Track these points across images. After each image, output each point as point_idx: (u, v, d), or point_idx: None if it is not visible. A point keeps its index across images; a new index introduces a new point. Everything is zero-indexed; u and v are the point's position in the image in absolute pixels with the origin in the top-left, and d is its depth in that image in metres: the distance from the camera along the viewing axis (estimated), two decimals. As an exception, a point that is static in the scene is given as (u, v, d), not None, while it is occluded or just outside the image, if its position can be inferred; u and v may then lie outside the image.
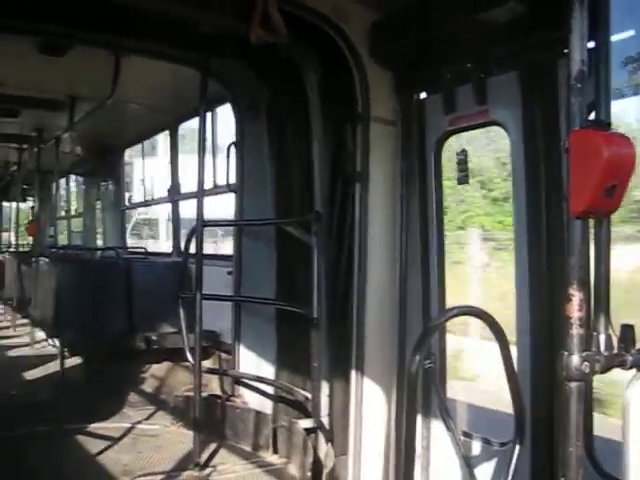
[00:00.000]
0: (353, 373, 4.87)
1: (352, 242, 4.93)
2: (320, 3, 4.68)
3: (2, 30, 5.83)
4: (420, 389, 3.93)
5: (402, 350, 4.77)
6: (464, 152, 4.61)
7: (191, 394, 6.18)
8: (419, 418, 4.07)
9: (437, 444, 4.52)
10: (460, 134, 4.70)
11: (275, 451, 5.82)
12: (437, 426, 4.48)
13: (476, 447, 4.24)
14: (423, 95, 4.78)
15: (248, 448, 5.97)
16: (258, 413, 6.04)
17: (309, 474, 4.93)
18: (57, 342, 9.15)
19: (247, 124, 6.46)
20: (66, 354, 8.50)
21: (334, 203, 5.13)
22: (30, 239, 15.83)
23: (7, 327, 13.68)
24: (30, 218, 17.19)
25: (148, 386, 7.46)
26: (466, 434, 4.27)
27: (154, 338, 7.70)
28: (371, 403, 4.89)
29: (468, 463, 4.04)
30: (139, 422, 6.78)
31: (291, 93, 5.72)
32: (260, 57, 5.69)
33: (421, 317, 4.70)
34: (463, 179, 4.58)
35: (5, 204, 19.54)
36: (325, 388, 5.07)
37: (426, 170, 4.68)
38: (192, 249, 6.22)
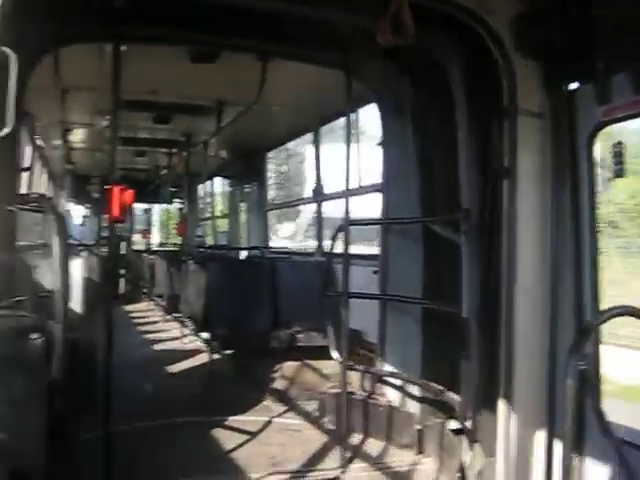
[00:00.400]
0: (502, 373, 4.76)
1: (500, 240, 4.83)
2: None
3: (156, 40, 6.17)
4: (574, 392, 3.78)
5: (553, 351, 4.62)
6: (620, 144, 4.42)
7: (336, 391, 6.26)
8: (573, 422, 3.93)
9: (592, 450, 4.36)
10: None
11: (420, 451, 5.79)
12: (592, 432, 4.31)
13: (636, 457, 4.04)
14: (573, 86, 4.62)
15: (393, 447, 5.97)
16: (402, 412, 6.03)
17: (458, 475, 4.87)
18: (205, 337, 9.57)
19: (392, 122, 6.47)
20: (214, 349, 8.87)
21: (482, 200, 5.05)
22: (178, 239, 16.64)
23: (157, 322, 14.47)
24: (177, 220, 18.06)
25: (292, 382, 7.62)
26: (625, 442, 4.08)
27: (298, 335, 7.86)
28: (521, 405, 4.76)
29: (628, 472, 3.85)
30: (284, 416, 6.96)
31: (435, 89, 5.69)
32: (403, 55, 5.71)
33: (573, 317, 4.54)
34: (619, 172, 4.39)
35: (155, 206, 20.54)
36: (474, 388, 4.99)
37: (578, 164, 4.52)
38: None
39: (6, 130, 3.75)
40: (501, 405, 4.80)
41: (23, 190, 9.49)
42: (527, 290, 4.72)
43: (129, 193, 4.62)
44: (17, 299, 3.67)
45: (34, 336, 2.72)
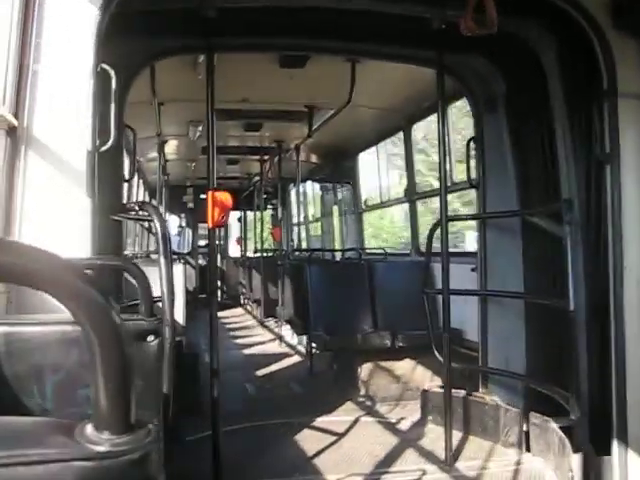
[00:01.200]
0: (613, 369, 4.60)
1: (606, 229, 4.67)
2: None
3: (247, 49, 6.28)
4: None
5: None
6: None
7: (439, 390, 6.20)
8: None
9: None
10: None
11: (528, 449, 5.65)
12: None
13: None
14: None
15: (499, 445, 5.86)
16: (508, 410, 5.89)
17: (570, 474, 4.72)
18: (305, 339, 9.66)
19: (485, 117, 6.35)
20: (314, 350, 8.95)
21: (585, 189, 4.90)
22: (272, 245, 16.93)
23: (255, 326, 14.73)
24: (270, 225, 18.32)
25: (394, 382, 7.61)
26: None
27: (398, 335, 7.82)
28: (635, 401, 4.58)
29: None
30: (386, 415, 6.95)
31: (529, 79, 5.56)
32: (494, 46, 5.61)
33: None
34: None
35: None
36: (584, 384, 4.84)
37: None
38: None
39: (109, 144, 3.91)
40: (614, 402, 4.64)
41: (123, 201, 9.84)
42: (637, 280, 4.55)
43: (228, 196, 4.70)
44: (133, 303, 3.80)
45: (150, 339, 2.80)
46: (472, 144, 6.48)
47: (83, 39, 3.74)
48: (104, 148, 3.87)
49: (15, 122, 3.59)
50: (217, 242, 19.90)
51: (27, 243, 1.02)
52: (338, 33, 5.76)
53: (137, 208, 4.32)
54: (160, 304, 3.90)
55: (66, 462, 0.99)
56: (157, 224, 3.80)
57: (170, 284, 3.70)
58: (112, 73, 3.87)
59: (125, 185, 8.90)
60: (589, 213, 4.89)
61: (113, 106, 3.94)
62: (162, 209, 13.17)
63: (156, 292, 4.04)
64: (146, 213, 4.19)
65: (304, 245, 15.94)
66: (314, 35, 5.72)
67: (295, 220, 16.00)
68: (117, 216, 4.43)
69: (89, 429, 1.04)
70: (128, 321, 2.77)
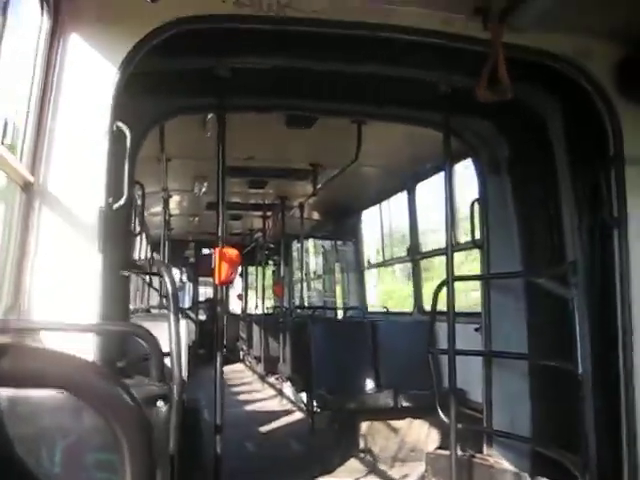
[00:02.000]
0: (624, 433, 4.55)
1: (614, 293, 4.68)
2: (560, 45, 4.59)
3: (255, 109, 6.40)
4: None
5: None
6: None
7: (444, 452, 6.12)
8: None
9: None
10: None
11: (534, 516, 5.56)
12: None
13: None
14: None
15: (504, 510, 5.77)
16: (515, 473, 5.81)
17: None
18: (306, 397, 9.57)
19: (489, 178, 6.44)
20: (315, 409, 8.86)
21: (591, 252, 4.94)
22: (272, 301, 16.91)
23: (254, 383, 14.60)
24: (271, 281, 18.32)
25: (397, 443, 7.52)
26: None
27: (400, 395, 7.76)
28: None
29: None
30: (390, 477, 6.85)
31: (533, 143, 5.65)
32: (500, 110, 5.70)
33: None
34: None
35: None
36: (592, 450, 4.78)
37: None
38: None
39: (122, 200, 3.96)
40: (626, 469, 4.58)
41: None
42: (645, 344, 4.55)
43: (236, 253, 4.72)
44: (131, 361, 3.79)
45: (160, 404, 2.79)
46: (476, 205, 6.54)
47: (101, 98, 3.83)
48: (118, 205, 3.92)
49: (31, 178, 3.65)
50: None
51: (57, 349, 1.04)
52: (345, 95, 5.88)
53: (147, 264, 4.33)
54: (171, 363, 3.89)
55: None
56: (167, 282, 3.82)
57: (179, 343, 3.70)
58: (127, 132, 3.94)
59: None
60: (594, 277, 4.91)
61: (127, 164, 4.00)
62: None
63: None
64: (155, 269, 4.22)
65: (306, 302, 15.91)
66: (321, 97, 5.83)
67: (297, 277, 16.03)
68: (127, 271, 4.45)
69: None
70: (138, 387, 2.77)
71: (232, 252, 4.70)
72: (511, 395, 6.11)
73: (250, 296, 20.96)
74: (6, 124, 3.53)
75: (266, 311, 16.01)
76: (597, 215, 4.85)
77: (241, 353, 19.24)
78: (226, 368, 17.12)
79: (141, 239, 14.38)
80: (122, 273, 4.41)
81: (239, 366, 18.28)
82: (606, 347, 4.74)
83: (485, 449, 6.36)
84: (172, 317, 3.72)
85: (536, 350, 5.75)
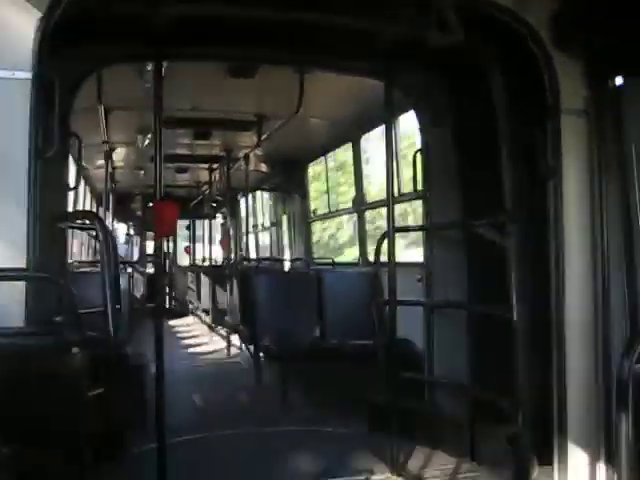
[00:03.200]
0: (555, 379, 4.69)
1: (548, 242, 4.77)
2: None
3: (196, 58, 6.26)
4: (631, 396, 3.70)
5: (606, 355, 4.56)
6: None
7: (384, 399, 6.22)
8: (630, 429, 3.85)
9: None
10: None
11: (473, 459, 5.72)
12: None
13: None
14: (619, 80, 4.55)
15: (445, 455, 5.91)
16: (454, 420, 5.95)
17: (512, 483, 4.80)
18: (252, 348, 9.62)
19: (432, 129, 6.45)
20: (261, 359, 8.93)
21: (528, 202, 5.01)
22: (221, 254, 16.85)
23: (203, 335, 14.63)
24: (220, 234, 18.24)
25: (340, 391, 7.58)
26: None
27: (345, 345, 7.84)
28: (575, 410, 4.68)
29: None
30: (334, 426, 6.95)
31: (475, 92, 5.66)
32: (442, 60, 5.69)
33: (626, 320, 4.47)
34: None
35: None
36: (525, 394, 4.92)
37: (627, 162, 4.45)
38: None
39: (52, 151, 3.84)
40: (554, 411, 4.73)
41: (70, 209, 9.69)
42: (578, 292, 4.66)
43: (174, 208, 4.67)
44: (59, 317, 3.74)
45: (74, 351, 2.77)
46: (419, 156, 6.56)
47: (24, 44, 3.68)
48: (47, 155, 3.80)
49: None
50: (166, 251, 19.74)
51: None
52: (287, 44, 5.76)
53: (81, 217, 4.25)
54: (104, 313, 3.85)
55: None
56: (99, 232, 3.77)
57: (115, 293, 3.66)
58: (55, 80, 3.81)
59: (71, 193, 8.79)
60: (530, 226, 4.99)
61: (56, 113, 3.88)
62: (110, 217, 12.99)
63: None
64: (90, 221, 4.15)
65: (254, 255, 15.90)
66: (263, 45, 5.71)
67: (244, 229, 15.97)
68: (61, 224, 4.35)
69: None
70: (51, 334, 2.75)
71: (170, 206, 4.64)
72: (451, 344, 6.23)
73: (199, 249, 20.83)
74: None
75: (214, 264, 15.92)
76: (534, 165, 4.90)
77: (190, 306, 19.21)
78: (175, 321, 17.24)
79: (85, 193, 14.14)
80: (58, 225, 4.30)
81: (189, 319, 18.28)
82: (540, 294, 4.85)
83: (426, 396, 6.49)
84: (105, 269, 3.68)
85: (476, 299, 5.86)
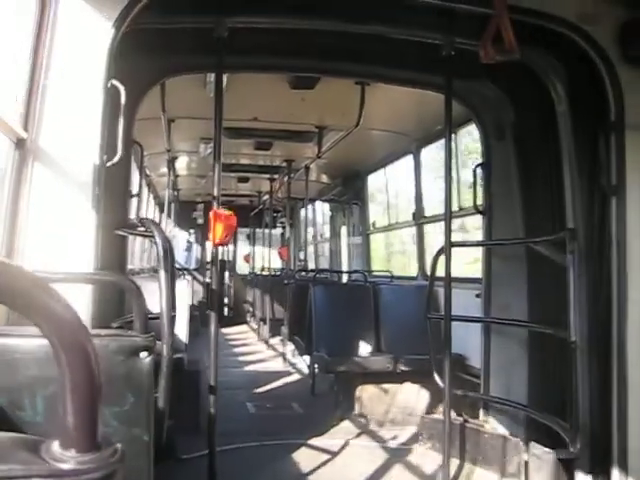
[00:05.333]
0: (615, 401, 4.57)
1: (610, 260, 4.66)
2: (563, 8, 4.51)
3: (256, 69, 6.34)
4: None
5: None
6: None
7: (439, 417, 6.15)
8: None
9: None
10: None
11: (527, 480, 5.59)
12: None
13: None
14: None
15: (497, 475, 5.79)
16: (508, 439, 5.83)
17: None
18: (308, 359, 9.64)
19: (493, 143, 6.37)
20: (316, 371, 8.94)
21: (590, 219, 4.90)
22: (280, 264, 16.95)
23: (259, 344, 14.71)
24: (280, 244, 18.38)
25: (394, 406, 7.57)
26: None
27: (400, 359, 7.79)
28: (637, 434, 4.54)
29: None
30: (386, 440, 6.91)
31: (537, 107, 5.57)
32: (504, 74, 5.63)
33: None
34: None
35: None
36: (585, 416, 4.79)
37: None
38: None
39: (116, 158, 3.94)
40: (615, 436, 4.60)
41: (132, 216, 9.90)
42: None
43: (232, 217, 4.70)
44: (128, 319, 3.82)
45: (143, 355, 2.80)
46: (479, 170, 6.48)
47: (95, 55, 3.78)
48: (111, 163, 3.90)
49: (24, 134, 3.63)
50: (224, 259, 19.96)
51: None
52: (348, 56, 5.80)
53: (140, 224, 4.33)
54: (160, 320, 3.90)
55: (30, 478, 0.99)
56: (157, 239, 3.82)
57: (170, 299, 3.70)
58: (122, 89, 3.90)
59: (135, 200, 8.98)
60: (593, 244, 4.88)
61: (122, 121, 3.97)
62: (171, 224, 13.22)
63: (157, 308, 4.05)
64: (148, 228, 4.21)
65: (312, 265, 15.93)
66: (324, 57, 5.76)
67: (303, 240, 16.04)
68: (121, 231, 4.44)
69: (55, 446, 1.03)
70: (120, 337, 2.79)
71: (228, 214, 4.68)
72: (509, 362, 6.12)
73: (258, 258, 20.98)
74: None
75: (273, 274, 16.03)
76: (596, 182, 4.80)
77: (247, 315, 19.37)
78: (231, 329, 17.39)
79: (148, 201, 14.42)
80: (116, 232, 4.39)
81: (245, 328, 18.42)
82: (601, 315, 4.73)
83: (481, 415, 6.39)
84: (162, 273, 3.72)
85: (535, 317, 5.74)
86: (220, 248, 5.20)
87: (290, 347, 11.56)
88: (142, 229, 5.05)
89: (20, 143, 3.66)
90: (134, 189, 6.35)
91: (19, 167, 3.68)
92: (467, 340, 6.69)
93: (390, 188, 11.69)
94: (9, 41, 3.84)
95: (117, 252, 5.07)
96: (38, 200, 3.67)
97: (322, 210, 16.75)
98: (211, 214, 4.77)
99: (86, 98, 3.79)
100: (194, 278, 16.01)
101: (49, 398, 2.41)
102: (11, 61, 3.83)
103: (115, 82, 3.88)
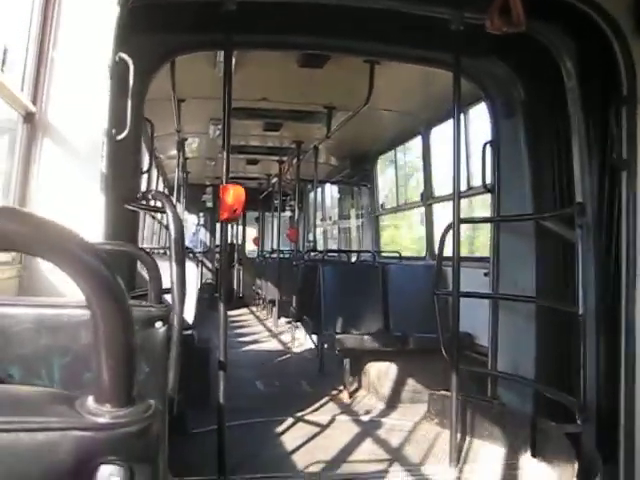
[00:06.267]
0: (622, 374, 4.58)
1: (619, 235, 4.66)
2: None
3: (265, 47, 6.33)
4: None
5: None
6: None
7: (447, 393, 6.18)
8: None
9: None
10: None
11: (534, 454, 5.61)
12: None
13: None
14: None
15: (505, 449, 5.81)
16: (516, 414, 5.86)
17: (575, 480, 4.70)
18: (316, 339, 9.70)
19: (502, 121, 6.35)
20: (325, 351, 8.99)
21: (599, 194, 4.89)
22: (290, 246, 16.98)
23: (269, 325, 14.78)
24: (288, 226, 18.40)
25: (402, 383, 7.59)
26: None
27: (409, 338, 7.82)
28: (644, 407, 4.56)
29: None
30: (393, 417, 6.96)
31: (547, 83, 5.56)
32: (513, 51, 5.61)
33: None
34: None
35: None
36: (591, 391, 4.81)
37: None
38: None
39: (125, 133, 3.95)
40: (622, 409, 4.61)
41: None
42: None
43: (240, 190, 4.70)
44: (138, 293, 3.85)
45: (158, 325, 2.84)
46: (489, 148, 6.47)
47: (102, 30, 3.79)
48: (120, 137, 3.91)
49: (33, 108, 3.65)
50: (234, 241, 20.02)
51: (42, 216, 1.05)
52: (357, 33, 5.79)
53: (150, 198, 4.35)
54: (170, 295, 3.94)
55: (66, 431, 1.00)
56: (170, 214, 3.84)
57: (181, 274, 3.73)
58: (130, 63, 3.91)
59: (144, 179, 9.00)
60: (602, 218, 4.88)
61: (130, 97, 3.98)
62: (180, 207, 13.25)
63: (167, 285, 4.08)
64: (159, 204, 4.23)
65: (321, 246, 15.95)
66: (333, 34, 5.75)
67: (312, 222, 16.05)
68: (131, 206, 4.46)
69: (90, 401, 1.05)
70: (136, 307, 2.82)
71: (236, 189, 4.68)
72: (516, 338, 6.14)
73: (267, 241, 21.03)
74: (6, 52, 3.52)
75: (282, 256, 16.08)
76: (607, 156, 4.78)
77: (257, 297, 19.44)
78: (242, 311, 17.46)
79: (157, 182, 14.45)
80: (126, 207, 4.41)
81: (254, 309, 18.50)
82: (610, 289, 4.74)
83: (490, 391, 6.42)
84: (174, 249, 3.75)
85: (544, 293, 5.75)
86: (229, 231, 5.22)
87: (299, 327, 11.61)
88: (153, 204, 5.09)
89: (29, 117, 3.69)
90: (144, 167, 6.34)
91: (28, 140, 3.71)
92: (475, 319, 6.70)
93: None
94: (17, 16, 3.86)
95: (129, 227, 5.11)
96: (47, 173, 3.69)
97: (330, 192, 16.76)
98: (220, 189, 4.79)
99: (94, 73, 3.79)
100: (201, 262, 16.05)
101: (65, 367, 2.44)
102: (19, 35, 3.85)
103: (123, 55, 3.89)
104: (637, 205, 4.53)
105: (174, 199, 14.29)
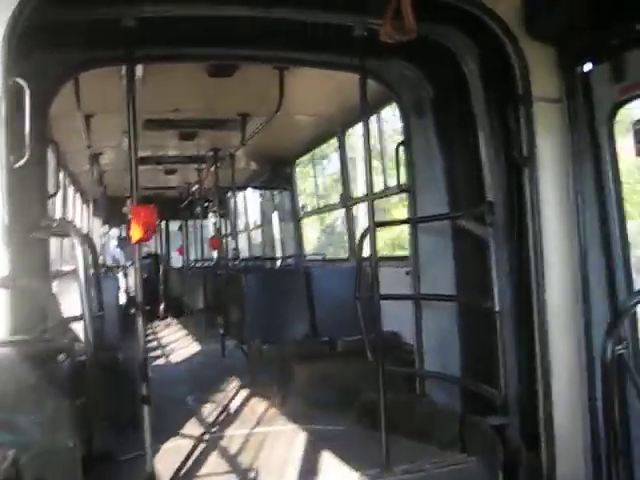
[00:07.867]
0: (539, 365, 4.71)
1: (526, 230, 4.78)
2: None
3: (170, 59, 6.23)
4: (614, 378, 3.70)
5: (589, 338, 4.59)
6: None
7: (375, 395, 6.21)
8: (614, 411, 3.84)
9: (637, 440, 4.26)
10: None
11: (464, 449, 5.70)
12: (636, 421, 4.23)
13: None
14: (587, 67, 4.58)
15: (436, 447, 5.88)
16: (444, 411, 5.95)
17: (500, 472, 4.80)
18: (244, 348, 9.60)
19: (414, 121, 6.43)
20: (253, 359, 8.90)
21: (507, 191, 5.01)
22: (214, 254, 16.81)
23: (197, 336, 14.59)
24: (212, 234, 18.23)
25: (331, 388, 7.58)
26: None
27: (336, 341, 7.82)
28: (561, 396, 4.70)
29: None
30: (326, 423, 6.93)
31: (453, 84, 5.66)
32: (420, 52, 5.68)
33: (606, 302, 4.51)
34: None
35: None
36: (512, 383, 4.93)
37: (599, 145, 4.47)
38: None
39: (23, 160, 3.79)
40: (541, 399, 4.74)
41: (58, 215, 9.65)
42: (557, 278, 4.68)
43: (151, 211, 4.59)
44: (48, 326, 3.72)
45: (61, 357, 2.74)
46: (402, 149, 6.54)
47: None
48: (19, 164, 3.76)
49: None
50: (158, 252, 19.69)
51: None
52: (264, 41, 5.76)
53: (54, 227, 4.21)
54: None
55: None
56: (75, 240, 3.73)
57: (89, 299, 3.63)
58: (25, 87, 3.77)
59: (59, 200, 8.75)
60: (511, 216, 4.99)
61: (27, 120, 3.84)
62: (97, 221, 12.96)
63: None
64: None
65: (246, 253, 15.86)
66: (238, 44, 5.71)
67: (236, 228, 15.92)
68: (36, 233, 4.31)
69: None
70: (36, 342, 2.72)
71: (147, 210, 4.57)
72: (441, 336, 6.23)
73: (192, 250, 20.74)
74: None
75: (207, 264, 15.91)
76: (510, 155, 4.90)
77: (184, 307, 19.18)
78: (169, 321, 17.17)
79: (74, 198, 14.10)
80: (32, 235, 4.26)
81: (182, 320, 18.23)
82: (522, 284, 4.85)
83: (418, 389, 6.48)
84: (81, 276, 3.65)
85: (462, 290, 5.85)
86: (153, 242, 5.12)
87: (226, 337, 11.49)
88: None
89: None
90: (52, 189, 6.12)
91: None
92: (401, 317, 6.76)
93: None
94: None
95: (36, 255, 4.94)
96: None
97: (253, 198, 16.65)
98: (125, 210, 4.68)
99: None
100: (125, 275, 15.74)
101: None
102: None
103: (18, 80, 3.75)
104: (540, 199, 4.66)
105: (90, 214, 13.99)
